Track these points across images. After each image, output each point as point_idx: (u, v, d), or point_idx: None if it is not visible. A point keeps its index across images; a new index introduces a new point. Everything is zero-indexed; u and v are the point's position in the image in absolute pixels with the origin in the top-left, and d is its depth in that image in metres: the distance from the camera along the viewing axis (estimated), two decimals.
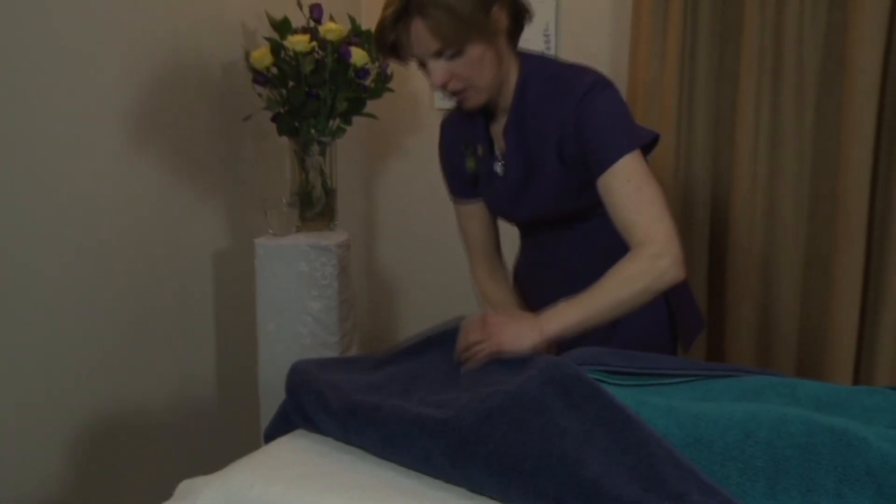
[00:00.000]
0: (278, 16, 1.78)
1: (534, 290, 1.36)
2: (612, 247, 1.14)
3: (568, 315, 1.08)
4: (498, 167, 1.26)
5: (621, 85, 1.96)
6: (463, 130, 1.31)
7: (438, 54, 1.11)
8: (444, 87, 1.15)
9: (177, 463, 1.76)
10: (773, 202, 1.80)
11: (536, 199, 1.24)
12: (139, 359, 1.67)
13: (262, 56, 1.72)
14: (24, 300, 1.42)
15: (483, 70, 1.14)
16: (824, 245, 1.77)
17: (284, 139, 1.84)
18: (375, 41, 1.16)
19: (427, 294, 2.37)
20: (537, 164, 1.21)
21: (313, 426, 1.05)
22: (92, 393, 1.57)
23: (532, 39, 2.09)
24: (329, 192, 1.84)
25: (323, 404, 1.02)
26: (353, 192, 2.35)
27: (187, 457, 1.80)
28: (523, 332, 1.06)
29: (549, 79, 1.19)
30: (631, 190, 1.11)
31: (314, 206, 1.83)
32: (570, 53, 2.08)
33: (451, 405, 0.92)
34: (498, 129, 1.26)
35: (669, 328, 1.33)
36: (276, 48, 1.74)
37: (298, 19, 1.80)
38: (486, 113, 1.27)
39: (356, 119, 1.88)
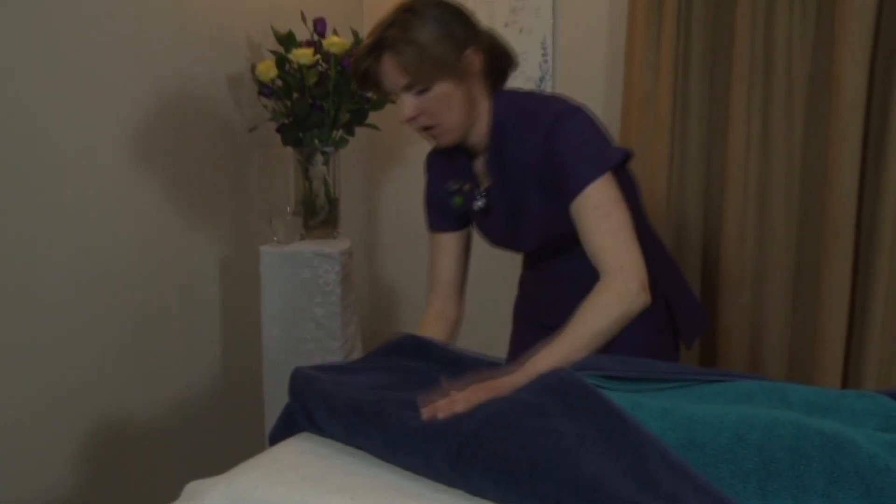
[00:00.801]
0: (283, 30, 1.80)
1: (541, 301, 1.38)
2: None
3: (550, 361, 1.04)
4: (481, 202, 1.27)
5: (617, 97, 2.00)
6: (449, 166, 1.32)
7: (407, 88, 1.14)
8: (412, 121, 1.17)
9: (183, 465, 1.78)
10: (763, 211, 1.82)
11: (531, 229, 1.25)
12: (146, 363, 1.69)
13: (267, 69, 1.75)
14: (33, 305, 1.44)
15: (452, 109, 1.15)
16: (813, 253, 1.78)
17: (289, 149, 1.86)
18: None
19: None
20: (523, 198, 1.22)
21: (316, 427, 1.05)
22: (99, 397, 1.59)
23: (530, 52, 2.13)
24: (332, 201, 1.86)
25: (327, 404, 1.02)
26: (355, 201, 2.37)
27: (194, 459, 1.81)
28: None
29: (522, 115, 1.19)
30: (599, 217, 1.12)
31: (318, 215, 1.85)
32: (567, 66, 2.11)
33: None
34: (479, 166, 1.28)
35: (670, 329, 1.34)
36: (281, 61, 1.76)
37: (303, 33, 1.82)
38: (468, 151, 1.28)
39: (359, 129, 1.91)
